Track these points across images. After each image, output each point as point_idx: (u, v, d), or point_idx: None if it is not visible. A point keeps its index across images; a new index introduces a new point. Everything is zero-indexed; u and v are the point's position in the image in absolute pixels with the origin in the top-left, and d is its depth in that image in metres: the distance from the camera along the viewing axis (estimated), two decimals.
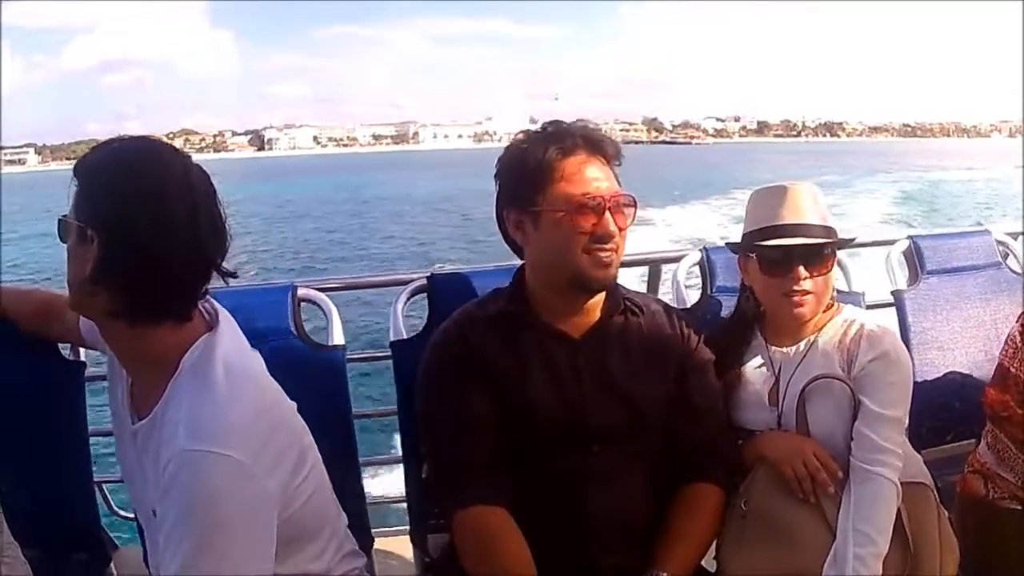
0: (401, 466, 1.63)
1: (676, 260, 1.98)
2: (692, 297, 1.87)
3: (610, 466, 1.33)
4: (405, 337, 1.63)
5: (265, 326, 1.54)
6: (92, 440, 1.61)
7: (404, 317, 1.67)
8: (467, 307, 1.41)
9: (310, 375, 1.50)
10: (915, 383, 1.48)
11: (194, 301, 1.08)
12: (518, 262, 1.42)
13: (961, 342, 2.05)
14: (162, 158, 1.04)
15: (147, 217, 0.98)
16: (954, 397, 1.98)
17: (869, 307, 1.89)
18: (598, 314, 1.37)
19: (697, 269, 1.91)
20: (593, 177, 1.29)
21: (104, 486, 2.01)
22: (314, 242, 26.29)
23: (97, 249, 0.99)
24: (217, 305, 1.14)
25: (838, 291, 1.59)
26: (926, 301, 2.06)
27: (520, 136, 1.37)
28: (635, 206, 1.33)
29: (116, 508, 2.11)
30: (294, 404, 1.16)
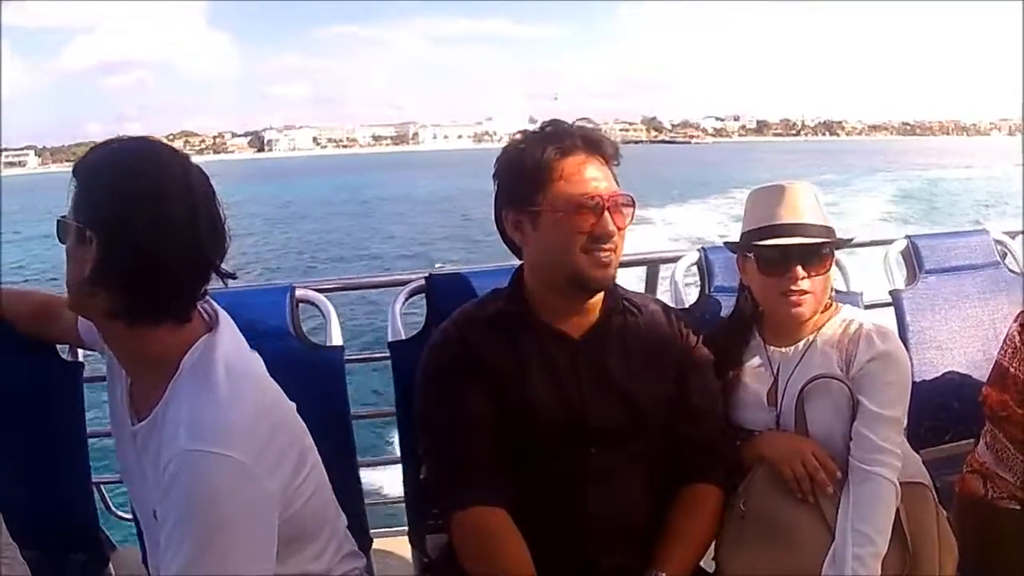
0: (400, 467, 1.62)
1: (674, 260, 1.97)
2: (691, 297, 1.86)
3: (610, 466, 1.33)
4: (404, 337, 1.63)
5: (263, 327, 1.54)
6: (90, 441, 1.60)
7: (403, 317, 1.67)
8: (466, 307, 1.41)
9: (308, 376, 1.50)
10: (913, 383, 1.48)
11: (193, 302, 1.08)
12: (517, 262, 1.41)
13: (959, 342, 2.05)
14: (161, 159, 1.03)
15: (146, 218, 0.98)
16: (953, 397, 1.98)
17: (867, 307, 1.89)
18: (597, 314, 1.37)
19: (695, 269, 1.91)
20: (592, 177, 1.29)
21: (102, 487, 2.00)
22: (315, 242, 26.29)
23: (96, 250, 0.99)
24: (216, 306, 1.14)
25: (836, 291, 1.58)
26: (924, 301, 2.06)
27: (518, 136, 1.36)
28: (634, 206, 1.32)
29: (114, 509, 2.11)
30: (294, 405, 1.15)
